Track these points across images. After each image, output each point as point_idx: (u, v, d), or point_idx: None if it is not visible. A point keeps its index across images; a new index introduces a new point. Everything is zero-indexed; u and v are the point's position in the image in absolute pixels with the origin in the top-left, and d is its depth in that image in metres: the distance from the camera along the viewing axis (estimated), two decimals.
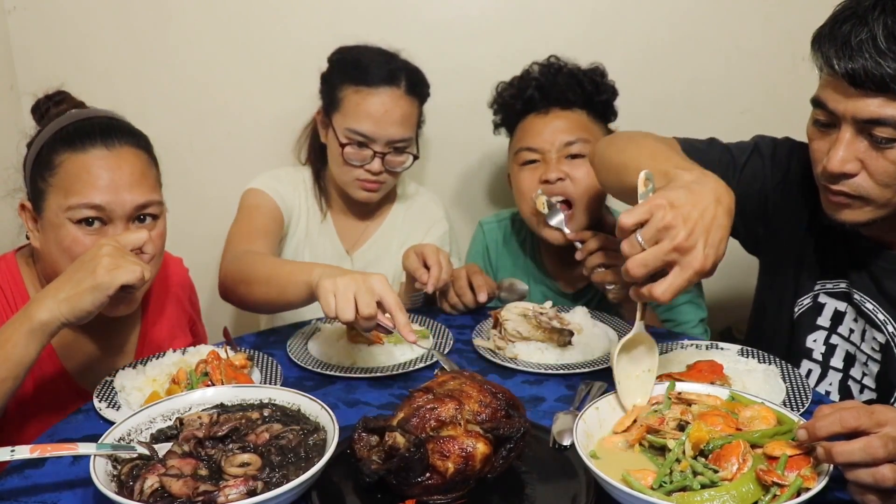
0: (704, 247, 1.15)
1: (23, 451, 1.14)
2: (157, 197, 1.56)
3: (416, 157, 2.02)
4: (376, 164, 1.95)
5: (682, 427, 1.16)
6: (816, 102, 1.40)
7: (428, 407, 1.14)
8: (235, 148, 2.39)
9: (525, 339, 1.64)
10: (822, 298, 1.62)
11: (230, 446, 1.17)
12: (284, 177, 2.07)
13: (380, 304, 1.39)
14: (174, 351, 1.59)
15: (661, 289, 1.15)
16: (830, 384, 1.62)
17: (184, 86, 2.34)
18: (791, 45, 2.35)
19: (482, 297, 1.84)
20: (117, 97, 2.28)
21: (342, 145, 1.94)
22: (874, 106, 1.30)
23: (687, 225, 1.14)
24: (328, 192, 2.12)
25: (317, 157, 2.11)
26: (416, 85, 1.98)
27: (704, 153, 1.69)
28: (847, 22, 1.31)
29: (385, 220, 2.16)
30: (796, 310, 1.66)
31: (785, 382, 1.44)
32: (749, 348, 1.57)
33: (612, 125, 2.04)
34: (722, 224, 1.18)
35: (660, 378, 1.39)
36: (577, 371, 1.54)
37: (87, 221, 1.48)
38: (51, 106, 1.61)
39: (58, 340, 1.58)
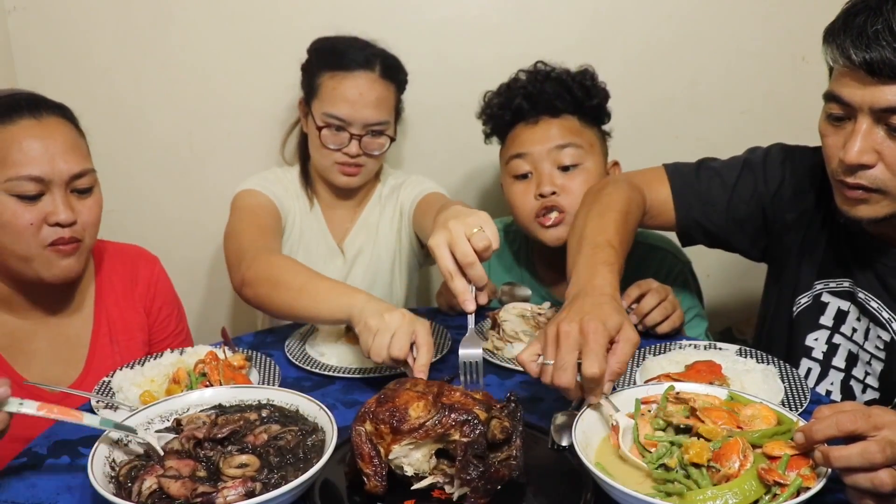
0: (594, 318, 1.19)
1: (30, 406, 1.15)
2: (91, 166, 1.59)
3: (392, 139, 2.03)
4: (353, 147, 1.97)
5: (687, 416, 1.17)
6: (830, 96, 1.40)
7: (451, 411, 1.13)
8: (235, 148, 2.39)
9: (523, 339, 1.63)
10: (825, 297, 1.62)
11: (228, 447, 1.18)
12: (274, 178, 2.08)
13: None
14: (171, 351, 1.59)
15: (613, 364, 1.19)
16: (832, 384, 1.62)
17: (184, 85, 2.34)
18: (791, 45, 2.35)
19: (483, 299, 1.82)
20: (117, 97, 2.29)
21: (319, 128, 1.97)
22: (891, 94, 1.31)
23: (571, 325, 1.20)
24: (314, 185, 2.13)
25: (304, 149, 2.12)
26: (391, 69, 2.00)
27: (692, 179, 1.71)
28: (860, 14, 1.32)
29: (368, 204, 2.17)
30: (794, 308, 1.66)
31: (783, 382, 1.44)
32: (747, 348, 1.57)
33: (605, 127, 2.01)
34: (599, 305, 1.24)
35: (658, 378, 1.39)
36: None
37: (27, 194, 1.50)
38: None
39: (1, 340, 1.59)
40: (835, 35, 1.36)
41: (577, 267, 1.40)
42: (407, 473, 1.14)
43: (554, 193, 1.85)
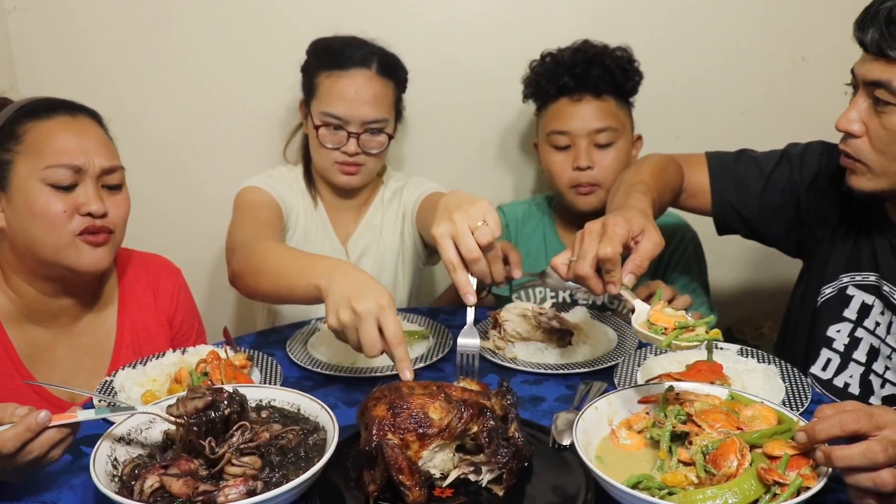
0: (617, 216, 1.38)
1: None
2: (121, 164, 1.62)
3: (391, 138, 2.03)
4: (352, 146, 1.96)
5: (683, 421, 1.17)
6: (852, 71, 1.49)
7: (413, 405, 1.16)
8: (235, 148, 2.39)
9: (525, 339, 1.64)
10: (851, 290, 1.64)
11: (233, 439, 1.17)
12: (279, 176, 2.07)
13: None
14: (174, 351, 1.59)
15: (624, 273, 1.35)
16: (850, 376, 1.63)
17: (184, 86, 2.33)
18: (791, 45, 2.36)
19: (517, 273, 1.70)
20: (117, 97, 2.29)
21: (317, 127, 1.97)
22: (877, 69, 1.41)
23: (595, 223, 1.39)
24: (317, 186, 2.12)
25: (307, 151, 2.12)
26: (388, 67, 2.00)
27: (731, 164, 1.79)
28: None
29: (371, 205, 2.16)
30: (819, 298, 1.69)
31: (784, 382, 1.45)
32: (748, 348, 1.57)
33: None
34: (625, 211, 1.44)
35: (659, 378, 1.40)
36: (577, 371, 1.54)
37: (61, 184, 1.52)
38: None
39: (23, 349, 1.60)
40: (860, 14, 1.46)
41: (614, 202, 1.59)
42: (435, 476, 1.15)
43: (589, 168, 2.02)
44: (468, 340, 1.39)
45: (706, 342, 1.24)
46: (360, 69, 1.95)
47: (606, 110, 2.04)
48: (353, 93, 1.94)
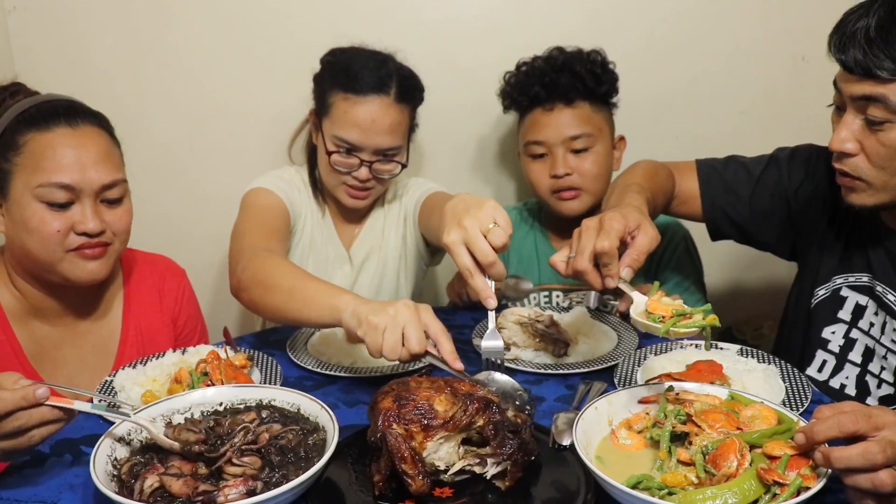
0: (614, 212, 1.40)
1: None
2: (122, 176, 1.60)
3: (404, 166, 1.98)
4: (363, 172, 1.92)
5: (683, 422, 1.17)
6: (834, 84, 1.48)
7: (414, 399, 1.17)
8: (235, 148, 2.39)
9: (521, 346, 1.63)
10: (845, 292, 1.64)
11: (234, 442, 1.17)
12: (288, 178, 2.03)
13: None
14: (174, 351, 1.59)
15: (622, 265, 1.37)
16: (847, 378, 1.64)
17: (184, 86, 2.33)
18: (791, 45, 2.36)
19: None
20: (117, 97, 2.29)
21: (329, 153, 1.92)
22: (867, 87, 1.39)
23: (593, 220, 1.41)
24: (324, 191, 2.09)
25: (313, 154, 2.08)
26: (407, 91, 1.94)
27: (720, 172, 1.80)
28: (851, 16, 1.42)
29: (373, 211, 2.13)
30: (813, 300, 1.69)
31: (784, 382, 1.45)
32: (748, 348, 1.57)
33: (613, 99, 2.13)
34: (621, 208, 1.45)
35: (659, 378, 1.40)
36: (577, 371, 1.54)
37: (56, 202, 1.50)
38: (6, 97, 1.63)
39: (30, 348, 1.60)
40: (831, 33, 1.44)
41: (608, 203, 1.61)
42: (440, 468, 1.16)
43: (567, 174, 2.03)
44: (492, 343, 1.38)
45: (704, 328, 1.25)
46: (377, 96, 1.88)
47: (580, 116, 2.03)
48: (370, 122, 1.87)
